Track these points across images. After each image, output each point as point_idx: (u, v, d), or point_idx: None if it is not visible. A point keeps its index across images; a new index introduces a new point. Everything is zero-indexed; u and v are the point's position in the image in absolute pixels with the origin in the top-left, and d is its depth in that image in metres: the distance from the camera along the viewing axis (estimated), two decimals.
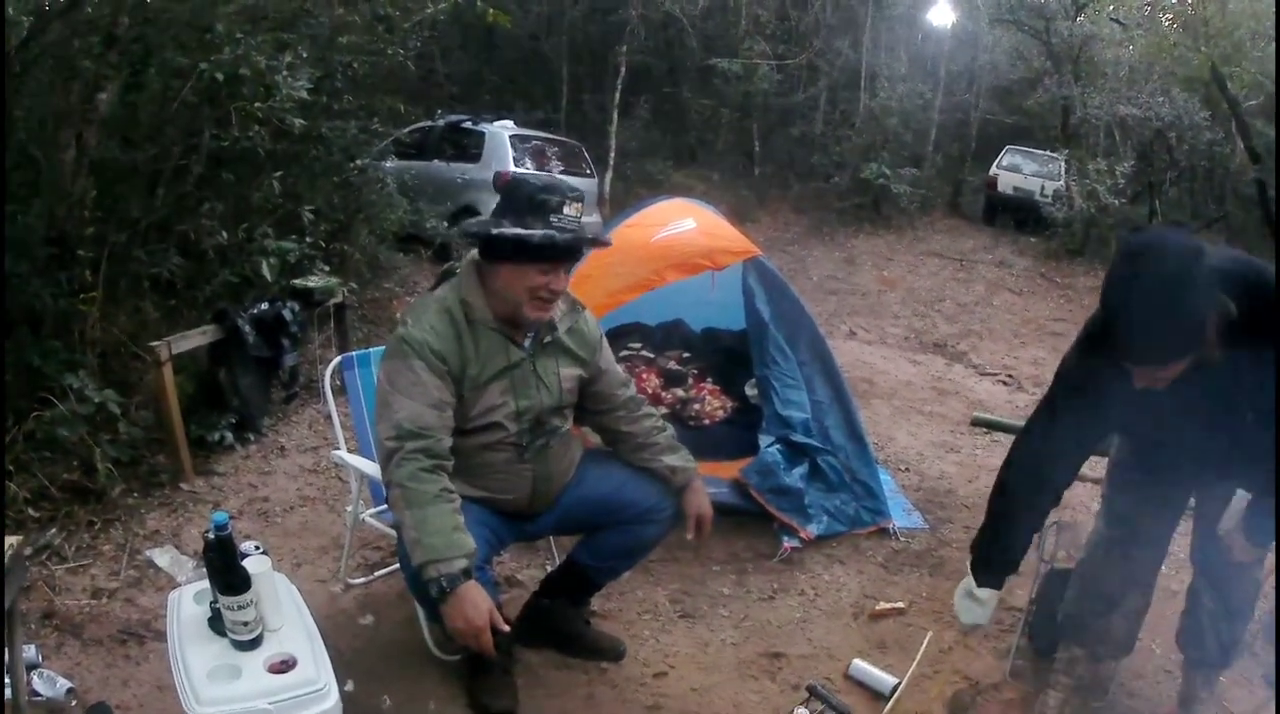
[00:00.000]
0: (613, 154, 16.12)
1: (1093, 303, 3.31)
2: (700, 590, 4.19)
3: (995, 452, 6.25)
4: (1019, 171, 18.84)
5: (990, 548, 3.29)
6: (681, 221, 4.96)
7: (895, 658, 3.84)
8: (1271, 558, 3.74)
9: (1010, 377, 8.81)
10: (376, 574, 4.10)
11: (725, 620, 4.02)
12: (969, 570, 3.29)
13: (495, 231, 3.01)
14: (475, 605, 2.77)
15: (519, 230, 2.98)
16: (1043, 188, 17.92)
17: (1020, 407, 7.71)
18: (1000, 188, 18.74)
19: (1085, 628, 3.78)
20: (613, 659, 3.66)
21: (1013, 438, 5.83)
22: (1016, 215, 18.20)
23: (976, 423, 6.78)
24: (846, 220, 16.01)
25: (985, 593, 3.24)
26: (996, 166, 19.15)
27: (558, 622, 3.62)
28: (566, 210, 3.04)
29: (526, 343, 3.17)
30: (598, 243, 3.26)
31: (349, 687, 3.23)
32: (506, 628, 2.91)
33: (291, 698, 2.54)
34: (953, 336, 9.68)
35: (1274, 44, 15.94)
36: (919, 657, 3.63)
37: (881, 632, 4.10)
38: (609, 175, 15.67)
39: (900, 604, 4.26)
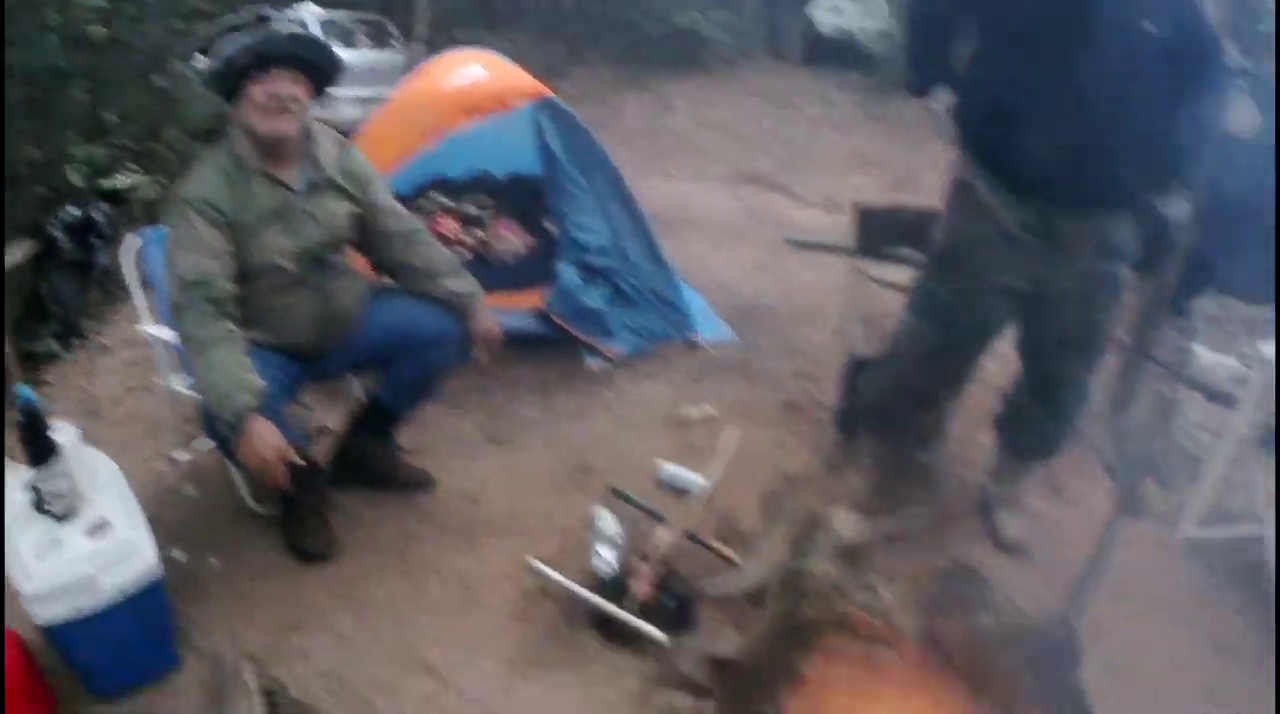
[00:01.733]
0: (421, 25, 15.72)
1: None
2: (508, 416, 4.28)
3: (811, 269, 6.37)
4: (840, 12, 18.79)
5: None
6: (471, 68, 4.92)
7: (707, 460, 3.94)
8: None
9: (831, 201, 8.78)
10: (197, 446, 4.09)
11: (534, 442, 4.11)
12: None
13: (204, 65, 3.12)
14: (263, 438, 2.86)
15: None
16: (863, 26, 17.92)
17: (842, 227, 7.76)
18: (820, 28, 18.69)
19: (893, 420, 3.88)
20: (425, 491, 3.78)
21: (829, 257, 5.98)
22: (837, 55, 18.18)
23: (791, 242, 6.87)
24: (663, 69, 15.75)
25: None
26: (816, 7, 19.08)
27: (367, 460, 3.70)
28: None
29: (297, 184, 3.22)
30: (291, 37, 3.18)
31: (179, 556, 3.35)
32: (303, 463, 3.02)
33: (109, 558, 2.71)
34: (771, 170, 9.63)
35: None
36: (728, 455, 3.72)
37: (692, 438, 4.22)
38: (418, 47, 15.32)
39: (711, 411, 4.37)
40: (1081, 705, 3.14)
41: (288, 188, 3.21)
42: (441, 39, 16.55)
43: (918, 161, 9.47)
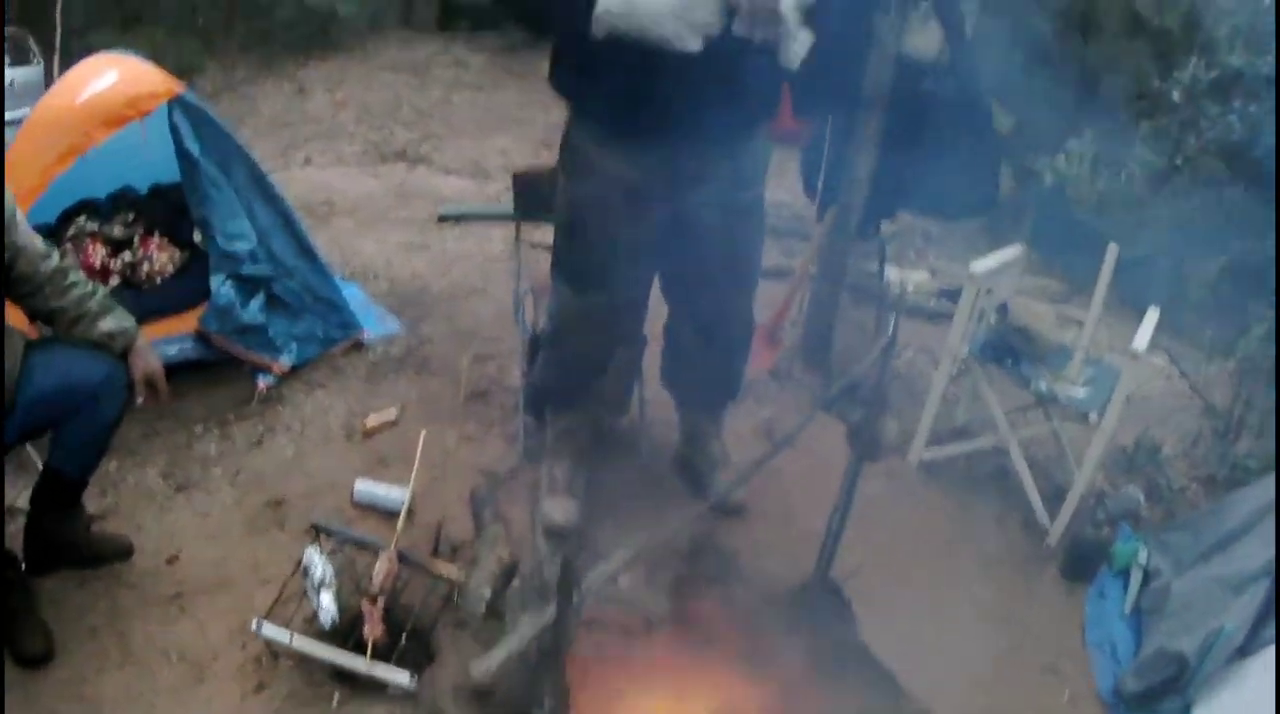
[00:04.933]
0: (59, 34, 14.52)
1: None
2: (189, 457, 3.92)
3: (466, 241, 6.24)
4: None
5: None
6: (103, 76, 4.47)
7: (400, 470, 3.77)
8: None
9: (477, 168, 8.76)
10: None
11: (220, 481, 3.81)
12: None
13: None
14: None
15: None
16: None
17: (490, 195, 7.73)
18: None
19: (574, 396, 3.76)
20: (124, 559, 3.40)
21: (484, 227, 5.79)
22: (473, 18, 17.81)
23: (445, 218, 6.70)
24: (295, 51, 15.20)
25: None
26: None
27: (58, 537, 3.28)
28: None
29: None
30: None
31: None
32: None
33: None
34: (413, 142, 9.48)
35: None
36: (418, 460, 3.53)
37: (379, 447, 4.04)
38: (56, 58, 14.16)
39: (391, 414, 4.19)
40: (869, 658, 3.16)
41: None
42: (79, 46, 15.41)
43: (561, 115, 9.41)
